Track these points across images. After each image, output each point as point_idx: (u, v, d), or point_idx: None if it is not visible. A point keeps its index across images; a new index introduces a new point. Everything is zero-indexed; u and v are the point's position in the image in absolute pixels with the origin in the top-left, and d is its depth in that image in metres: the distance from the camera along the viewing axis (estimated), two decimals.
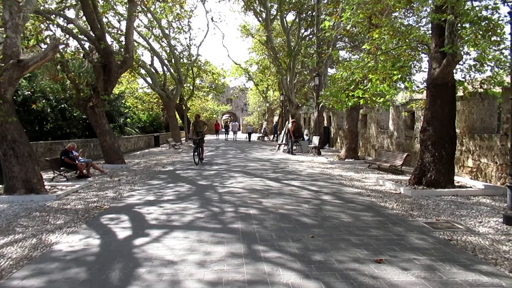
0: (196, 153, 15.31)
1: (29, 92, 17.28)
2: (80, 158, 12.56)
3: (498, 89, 9.41)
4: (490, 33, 8.19)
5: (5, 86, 8.70)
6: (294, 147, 21.50)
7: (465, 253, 4.80)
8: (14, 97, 14.71)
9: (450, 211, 7.05)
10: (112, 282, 4.04)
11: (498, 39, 8.51)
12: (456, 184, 9.29)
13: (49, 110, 18.09)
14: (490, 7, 8.08)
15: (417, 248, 4.96)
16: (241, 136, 48.56)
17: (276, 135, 35.06)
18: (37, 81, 18.77)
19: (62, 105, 19.02)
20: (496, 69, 9.23)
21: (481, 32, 8.22)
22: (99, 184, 10.69)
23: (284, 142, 23.38)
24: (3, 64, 8.73)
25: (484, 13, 8.09)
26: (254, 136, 41.54)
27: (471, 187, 9.15)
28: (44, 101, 17.72)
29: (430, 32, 9.77)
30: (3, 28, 9.36)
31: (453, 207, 7.37)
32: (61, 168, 11.80)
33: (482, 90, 9.70)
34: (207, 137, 50.56)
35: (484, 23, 8.02)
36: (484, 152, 10.26)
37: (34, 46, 13.74)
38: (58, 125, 18.81)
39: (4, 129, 8.73)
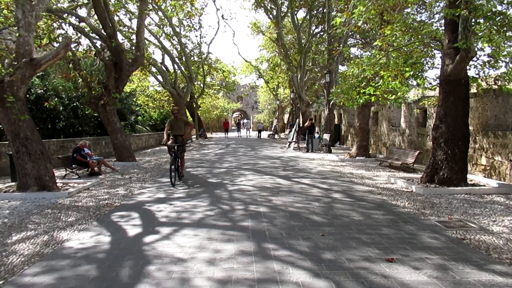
0: (173, 167, 10.10)
1: (42, 90, 17.46)
2: (91, 155, 12.67)
3: None
4: (505, 29, 8.02)
5: (18, 84, 8.80)
6: (304, 145, 21.39)
7: (479, 252, 4.72)
8: (27, 95, 14.92)
9: (463, 210, 6.94)
10: (122, 279, 4.06)
11: None
12: (469, 182, 9.16)
13: (61, 108, 18.26)
14: (505, 1, 7.93)
15: (429, 247, 4.89)
16: (252, 133, 48.58)
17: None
18: (50, 79, 18.96)
19: (74, 103, 19.18)
20: (511, 65, 9.05)
21: (495, 28, 8.06)
22: (110, 182, 10.77)
23: (294, 140, 23.29)
24: (16, 63, 8.83)
25: (499, 8, 7.95)
26: (264, 134, 41.78)
27: (484, 186, 9.01)
28: (56, 99, 17.88)
29: (443, 28, 9.61)
30: (16, 27, 9.46)
31: (466, 206, 7.25)
32: (73, 165, 11.91)
33: (496, 86, 9.54)
34: (216, 134, 50.60)
35: (498, 18, 7.86)
36: (498, 149, 10.08)
37: (47, 44, 13.88)
38: (70, 123, 18.99)
39: (17, 127, 8.83)
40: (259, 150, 22.69)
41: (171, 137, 10.52)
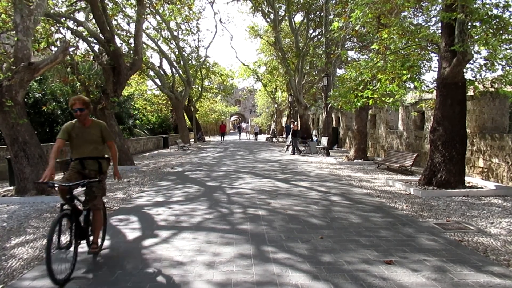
0: (62, 240, 4.32)
1: (40, 94, 17.49)
2: None
3: (509, 88, 9.29)
4: (501, 32, 8.08)
5: (16, 88, 8.81)
6: (302, 148, 21.49)
7: (477, 254, 4.74)
8: (25, 99, 14.90)
9: (461, 212, 6.97)
10: (121, 283, 4.06)
11: (509, 37, 8.40)
12: (467, 184, 9.19)
13: (59, 112, 18.28)
14: (501, 5, 7.99)
15: (428, 249, 4.91)
16: (251, 136, 48.68)
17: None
18: (48, 83, 18.98)
19: None
20: (507, 68, 9.10)
21: (491, 31, 8.11)
22: (109, 186, 10.74)
23: (292, 143, 23.34)
24: (14, 67, 8.85)
25: (495, 11, 8.00)
26: (261, 137, 42.73)
27: (482, 188, 9.04)
28: (54, 103, 17.91)
29: (440, 31, 9.68)
30: (14, 31, 9.48)
31: (464, 208, 7.28)
32: None
33: (493, 89, 9.59)
34: (214, 138, 50.46)
35: (494, 21, 7.93)
36: (495, 152, 10.14)
37: (45, 49, 13.89)
38: None
39: (16, 131, 8.83)
40: (258, 153, 22.70)
41: (72, 163, 4.98)
